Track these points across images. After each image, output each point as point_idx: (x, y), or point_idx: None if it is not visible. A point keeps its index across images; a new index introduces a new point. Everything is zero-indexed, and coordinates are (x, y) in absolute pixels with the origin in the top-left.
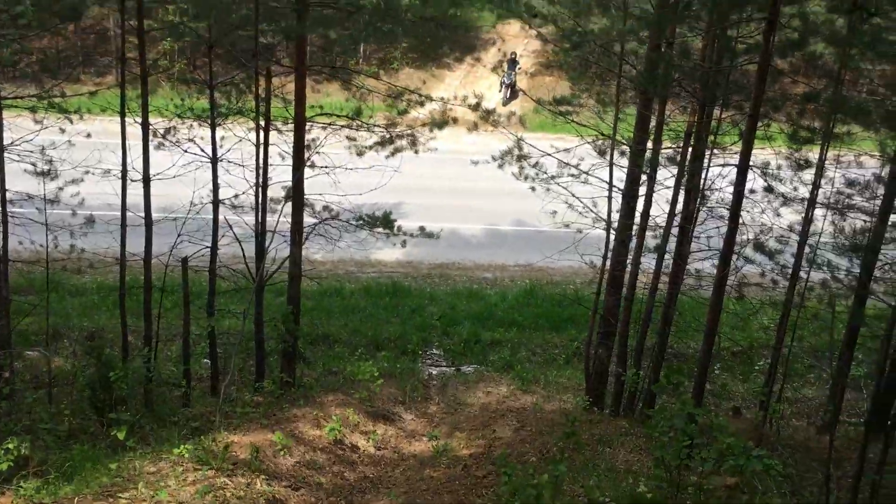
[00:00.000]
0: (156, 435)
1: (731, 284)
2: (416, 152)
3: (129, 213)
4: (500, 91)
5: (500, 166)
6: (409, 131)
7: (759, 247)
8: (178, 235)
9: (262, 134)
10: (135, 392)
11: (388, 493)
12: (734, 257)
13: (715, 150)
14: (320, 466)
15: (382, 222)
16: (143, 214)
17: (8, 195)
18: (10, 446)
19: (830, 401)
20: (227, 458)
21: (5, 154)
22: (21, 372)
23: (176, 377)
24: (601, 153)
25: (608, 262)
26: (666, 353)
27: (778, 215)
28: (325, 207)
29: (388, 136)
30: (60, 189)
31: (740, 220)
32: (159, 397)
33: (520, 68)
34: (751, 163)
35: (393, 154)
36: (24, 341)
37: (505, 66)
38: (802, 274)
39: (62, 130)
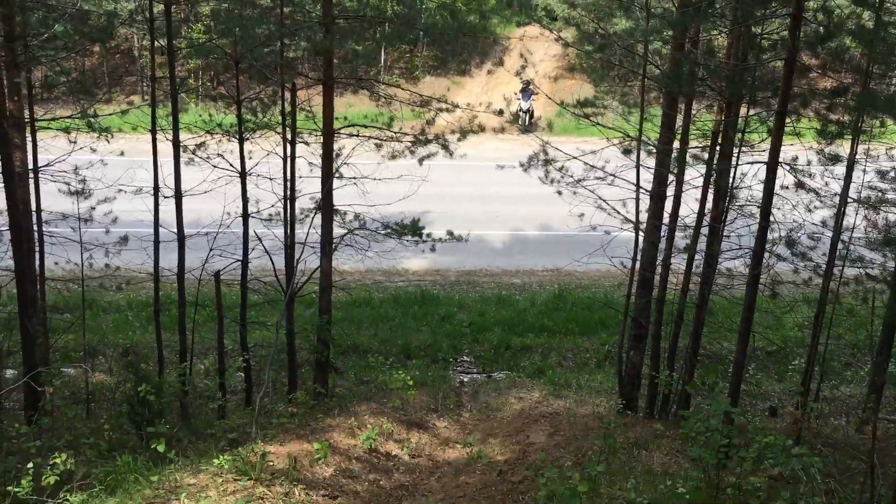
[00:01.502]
0: (194, 447)
1: (764, 283)
2: (451, 154)
3: (161, 230)
4: (518, 121)
5: (526, 170)
6: (441, 137)
7: (791, 244)
8: (210, 250)
9: (288, 147)
10: (171, 406)
11: (424, 501)
12: (766, 255)
13: (743, 148)
14: (357, 475)
15: (411, 230)
16: (175, 230)
17: (43, 215)
18: (57, 461)
19: (869, 398)
20: (265, 469)
21: (40, 175)
22: (60, 389)
23: (211, 390)
24: (626, 152)
25: (638, 264)
26: (699, 354)
27: (809, 211)
28: (357, 216)
29: (420, 140)
30: (93, 208)
31: (771, 218)
32: (196, 410)
33: (535, 96)
34: (780, 159)
35: (422, 161)
36: (62, 358)
37: (519, 94)
38: (836, 270)
39: (94, 150)
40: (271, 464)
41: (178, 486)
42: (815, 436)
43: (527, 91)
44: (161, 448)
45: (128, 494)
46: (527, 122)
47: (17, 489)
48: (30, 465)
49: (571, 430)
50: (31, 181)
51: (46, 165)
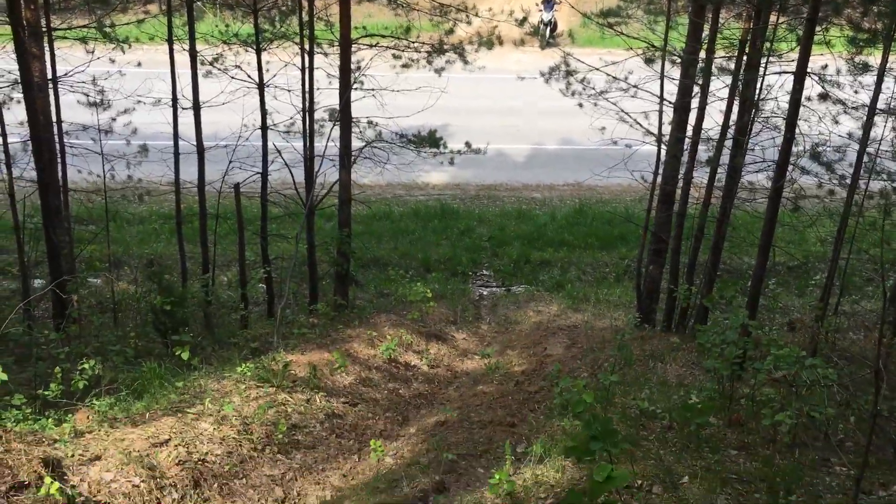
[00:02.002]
0: (217, 355)
1: (786, 196)
2: (466, 62)
3: (181, 142)
4: (538, 34)
5: (547, 82)
6: (458, 47)
7: (816, 156)
8: (230, 162)
9: (306, 58)
10: (195, 315)
11: (442, 409)
12: (790, 168)
13: (771, 58)
14: (376, 384)
15: (429, 141)
16: (194, 142)
17: (64, 126)
18: (86, 366)
19: (885, 311)
20: (286, 376)
21: (59, 86)
22: (86, 297)
23: (233, 301)
24: (649, 62)
25: (659, 178)
26: (719, 269)
27: (836, 123)
28: (371, 123)
29: (438, 49)
30: (113, 119)
31: (797, 130)
32: (219, 320)
33: (558, 6)
34: (808, 69)
35: (440, 73)
36: (87, 268)
37: (540, 4)
38: (861, 184)
39: (112, 61)
40: (293, 372)
41: (203, 392)
42: (832, 349)
43: (549, 1)
44: (185, 355)
45: (154, 399)
46: (548, 36)
47: (46, 393)
48: (58, 370)
49: (589, 342)
50: (51, 92)
51: (65, 76)
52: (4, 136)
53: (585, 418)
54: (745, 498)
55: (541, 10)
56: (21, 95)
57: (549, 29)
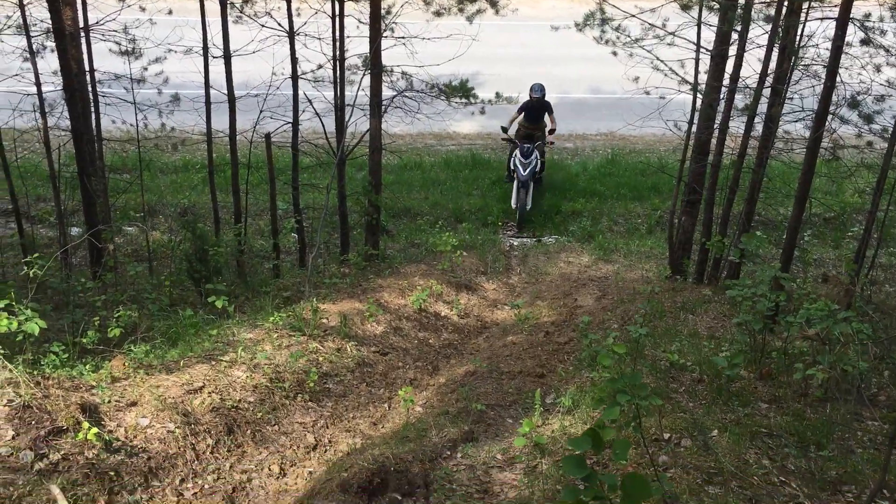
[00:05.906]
0: (250, 304)
1: (824, 146)
2: (497, 12)
3: (212, 91)
4: (513, 203)
5: (581, 30)
6: None
7: (855, 105)
8: (260, 112)
9: (336, 5)
10: (229, 264)
11: (471, 359)
12: (829, 118)
13: (812, 3)
14: (406, 333)
15: (460, 91)
16: (225, 91)
17: (96, 75)
18: (122, 314)
19: None
20: (318, 325)
21: (91, 34)
22: (122, 246)
23: (266, 250)
24: (685, 8)
25: (694, 128)
26: (754, 220)
27: (878, 71)
28: (402, 73)
29: None
30: (145, 69)
31: (838, 79)
32: (251, 269)
33: (550, 144)
34: (851, 15)
35: (472, 19)
36: (123, 217)
37: (516, 156)
38: None
39: (142, 9)
40: (324, 321)
41: (236, 340)
42: (867, 302)
43: (527, 158)
44: (220, 304)
45: (188, 346)
46: (523, 211)
47: (83, 339)
48: (96, 318)
49: (619, 294)
50: (83, 41)
51: (96, 24)
52: (39, 84)
53: (612, 373)
54: (774, 452)
55: (515, 158)
56: (54, 44)
57: (521, 209)
